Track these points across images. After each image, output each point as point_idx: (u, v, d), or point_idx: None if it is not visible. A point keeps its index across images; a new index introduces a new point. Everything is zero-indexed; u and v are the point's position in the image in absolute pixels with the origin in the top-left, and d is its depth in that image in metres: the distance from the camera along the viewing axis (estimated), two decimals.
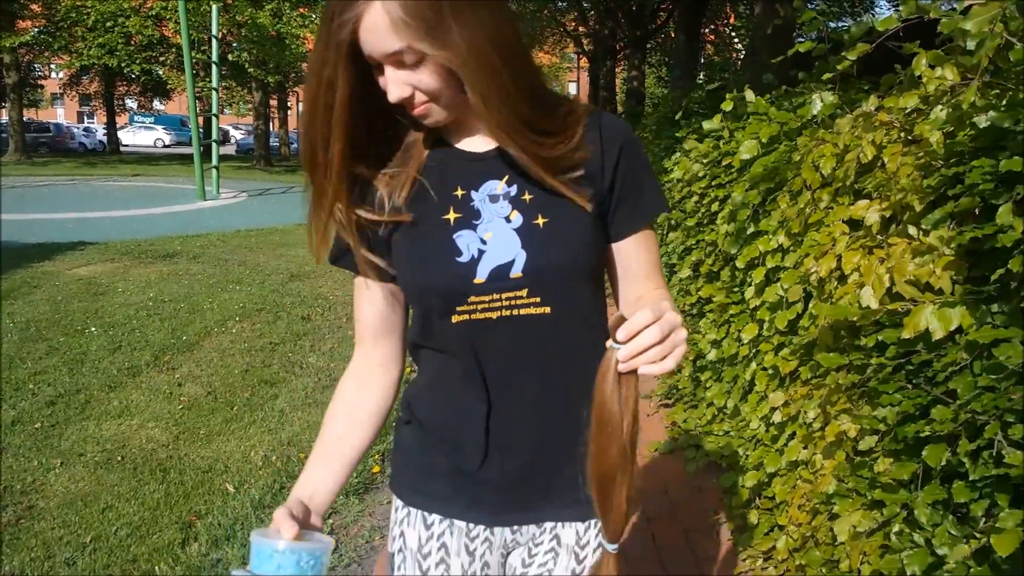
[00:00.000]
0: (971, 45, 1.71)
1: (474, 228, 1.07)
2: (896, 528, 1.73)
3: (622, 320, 0.88)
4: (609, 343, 0.91)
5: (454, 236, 1.07)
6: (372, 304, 1.16)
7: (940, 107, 1.76)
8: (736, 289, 3.14)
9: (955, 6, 1.86)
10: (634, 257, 1.16)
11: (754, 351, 2.90)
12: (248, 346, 5.35)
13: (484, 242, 1.07)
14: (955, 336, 1.58)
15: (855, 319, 1.83)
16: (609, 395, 0.92)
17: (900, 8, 2.00)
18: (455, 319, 1.08)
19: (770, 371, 2.71)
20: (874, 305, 1.79)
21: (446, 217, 1.08)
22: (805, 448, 2.34)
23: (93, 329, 5.61)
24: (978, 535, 1.49)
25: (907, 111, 2.07)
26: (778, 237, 2.56)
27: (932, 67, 2.04)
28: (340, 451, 1.17)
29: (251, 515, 3.02)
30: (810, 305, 2.30)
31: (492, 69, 0.98)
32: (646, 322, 0.87)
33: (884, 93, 2.34)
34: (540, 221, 1.07)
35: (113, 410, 4.10)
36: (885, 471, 1.78)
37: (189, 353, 5.16)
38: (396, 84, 0.98)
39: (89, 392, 4.35)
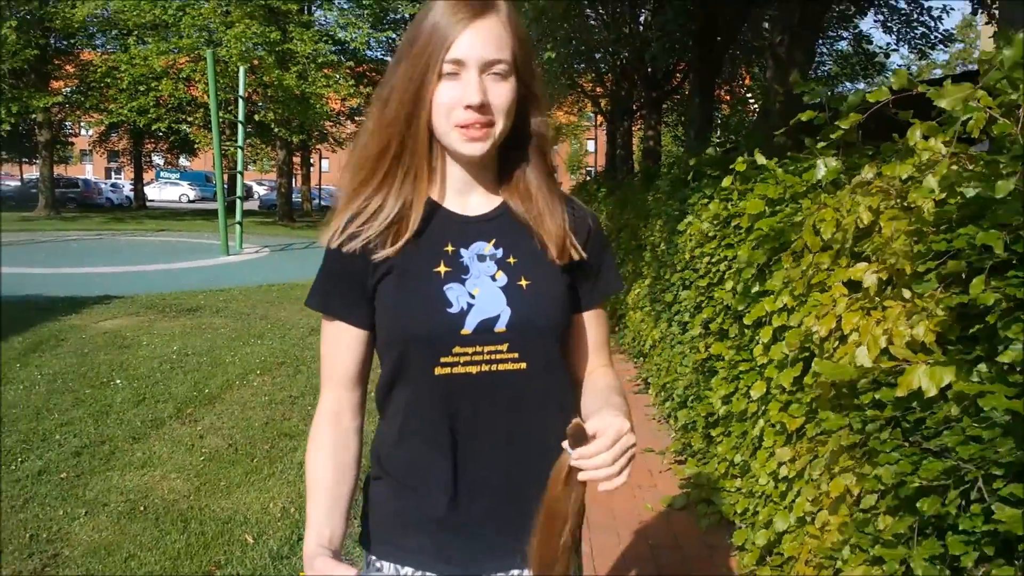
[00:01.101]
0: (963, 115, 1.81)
1: (463, 283, 1.16)
2: None
3: (579, 428, 0.99)
4: (565, 445, 1.00)
5: (444, 288, 1.16)
6: (350, 350, 1.23)
7: (931, 177, 1.85)
8: (745, 347, 3.21)
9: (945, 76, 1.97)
10: (588, 330, 1.29)
11: (763, 408, 2.96)
12: (268, 399, 5.45)
13: (472, 296, 1.16)
14: (946, 393, 1.65)
15: (853, 378, 1.90)
16: (558, 495, 1.02)
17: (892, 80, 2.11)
18: (438, 371, 1.15)
19: (777, 427, 2.77)
20: (868, 365, 1.87)
21: (436, 270, 1.17)
22: (811, 503, 2.39)
23: (118, 381, 5.73)
24: None
25: (903, 179, 2.16)
26: (783, 297, 2.64)
27: (926, 138, 2.14)
28: (339, 496, 1.20)
29: (269, 566, 3.09)
30: (812, 364, 2.37)
31: (544, 114, 1.20)
32: (603, 448, 0.98)
33: (882, 160, 2.44)
34: (523, 283, 1.18)
35: (137, 461, 4.19)
36: (887, 528, 1.84)
37: (211, 406, 5.26)
38: (480, 89, 1.09)
39: (114, 443, 4.45)
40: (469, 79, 1.08)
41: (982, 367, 1.59)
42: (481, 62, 1.08)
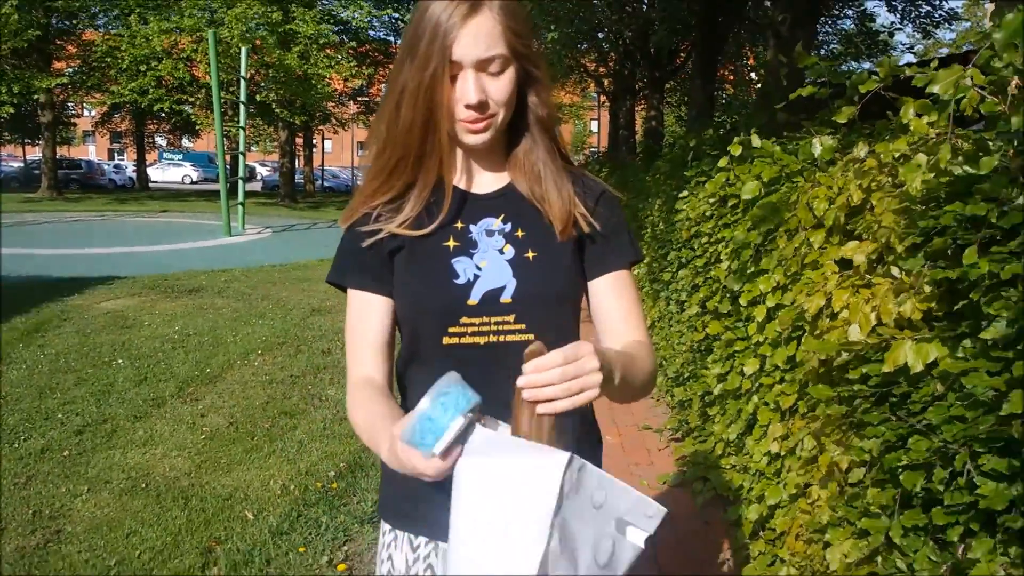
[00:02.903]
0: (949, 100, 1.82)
1: (471, 256, 1.20)
2: (881, 556, 1.80)
3: (540, 348, 0.94)
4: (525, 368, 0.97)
5: (452, 261, 1.20)
6: (375, 318, 1.23)
7: (921, 154, 1.86)
8: (740, 325, 3.23)
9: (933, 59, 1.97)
10: (607, 299, 1.27)
11: (756, 385, 2.98)
12: (269, 378, 5.49)
13: (479, 269, 1.20)
14: (931, 369, 1.67)
15: (840, 353, 1.92)
16: (519, 420, 0.97)
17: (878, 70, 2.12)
18: (446, 341, 1.18)
19: (771, 406, 2.79)
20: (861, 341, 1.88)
21: (446, 244, 1.21)
22: (802, 479, 2.41)
23: (120, 361, 5.77)
24: (957, 563, 1.56)
25: (896, 157, 2.17)
26: (776, 275, 2.66)
27: (919, 116, 2.15)
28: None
29: (269, 541, 3.13)
30: (802, 341, 2.39)
31: (550, 91, 1.22)
32: (552, 364, 0.92)
33: (876, 139, 2.45)
34: (530, 254, 1.21)
35: (138, 439, 4.23)
36: (873, 500, 1.86)
37: (212, 385, 5.30)
38: (477, 88, 1.11)
39: (115, 422, 4.49)
40: (466, 79, 1.11)
41: (967, 343, 1.60)
42: (476, 62, 1.10)
